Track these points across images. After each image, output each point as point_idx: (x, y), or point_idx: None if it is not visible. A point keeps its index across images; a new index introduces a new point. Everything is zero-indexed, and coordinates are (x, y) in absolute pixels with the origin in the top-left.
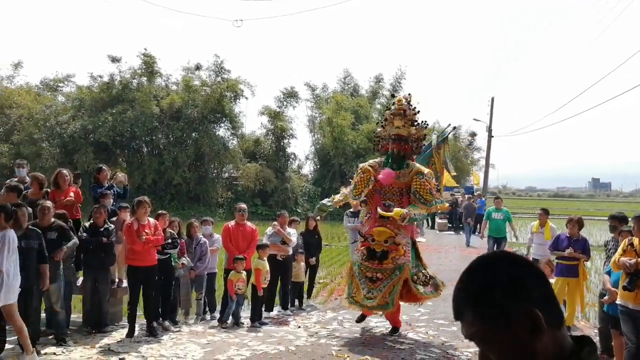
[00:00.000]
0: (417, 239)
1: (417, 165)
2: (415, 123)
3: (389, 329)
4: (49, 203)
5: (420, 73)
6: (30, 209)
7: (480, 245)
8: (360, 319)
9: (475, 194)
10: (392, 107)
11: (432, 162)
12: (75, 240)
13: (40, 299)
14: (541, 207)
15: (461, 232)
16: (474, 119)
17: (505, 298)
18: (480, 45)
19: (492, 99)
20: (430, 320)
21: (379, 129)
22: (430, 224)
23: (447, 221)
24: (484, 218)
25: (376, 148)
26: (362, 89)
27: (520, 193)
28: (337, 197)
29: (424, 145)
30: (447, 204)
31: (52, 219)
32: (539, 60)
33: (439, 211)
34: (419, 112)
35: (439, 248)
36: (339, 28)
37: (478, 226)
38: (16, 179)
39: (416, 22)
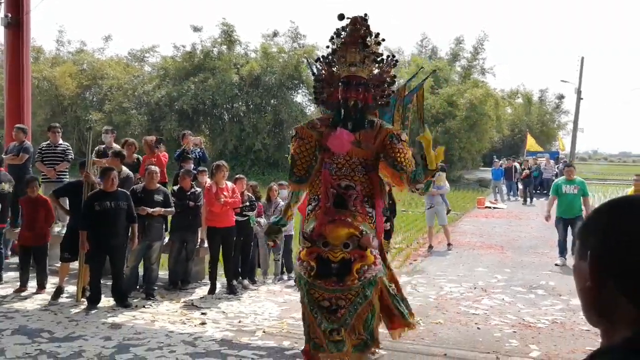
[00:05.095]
0: (497, 206)
1: (384, 123)
2: (379, 59)
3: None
4: (155, 168)
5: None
6: (130, 172)
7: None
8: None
9: (560, 159)
10: (344, 34)
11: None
12: (172, 209)
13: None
14: (637, 173)
15: (531, 203)
16: (562, 81)
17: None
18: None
19: (582, 59)
20: (507, 287)
21: (321, 69)
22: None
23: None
24: (551, 193)
25: (318, 99)
26: (441, 51)
27: (612, 158)
28: (282, 205)
29: (393, 93)
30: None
31: (158, 184)
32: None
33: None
34: (383, 40)
35: (519, 215)
36: None
37: None
38: (104, 146)
39: None
